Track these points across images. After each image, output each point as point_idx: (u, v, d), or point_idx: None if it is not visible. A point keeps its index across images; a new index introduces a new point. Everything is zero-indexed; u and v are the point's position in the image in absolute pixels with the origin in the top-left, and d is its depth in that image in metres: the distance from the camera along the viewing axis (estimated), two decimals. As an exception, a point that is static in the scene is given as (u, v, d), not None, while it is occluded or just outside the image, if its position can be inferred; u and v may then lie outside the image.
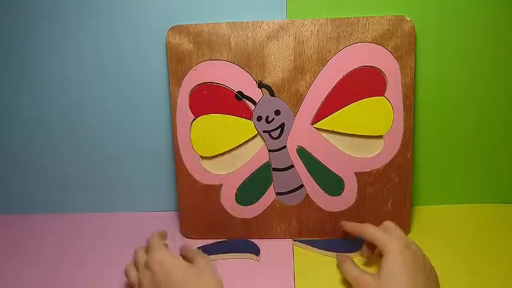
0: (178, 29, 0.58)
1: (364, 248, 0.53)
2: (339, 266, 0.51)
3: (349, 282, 0.47)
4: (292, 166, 0.60)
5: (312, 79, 0.58)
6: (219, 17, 0.60)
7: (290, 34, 0.57)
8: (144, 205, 0.72)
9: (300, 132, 0.59)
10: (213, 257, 0.56)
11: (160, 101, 0.65)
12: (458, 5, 0.59)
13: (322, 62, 0.57)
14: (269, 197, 0.61)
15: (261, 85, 0.59)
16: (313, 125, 0.59)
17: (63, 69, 0.65)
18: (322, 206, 0.61)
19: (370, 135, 0.59)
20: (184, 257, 0.47)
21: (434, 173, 0.67)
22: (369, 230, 0.49)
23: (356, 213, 0.60)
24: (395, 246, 0.44)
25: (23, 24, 0.64)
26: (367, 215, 0.60)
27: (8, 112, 0.68)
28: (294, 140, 0.60)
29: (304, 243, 0.59)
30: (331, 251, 0.56)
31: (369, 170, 0.59)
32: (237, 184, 0.61)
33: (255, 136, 0.60)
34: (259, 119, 0.59)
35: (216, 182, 0.61)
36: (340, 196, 0.60)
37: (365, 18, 0.56)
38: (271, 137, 0.60)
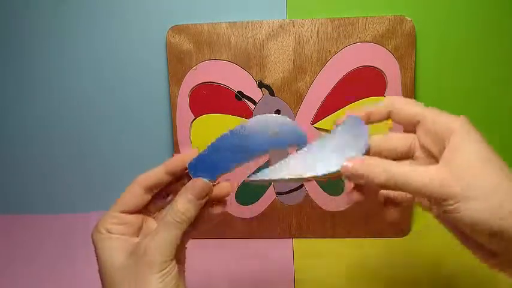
0: (178, 29, 0.58)
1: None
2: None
3: (349, 282, 0.46)
4: (292, 166, 0.60)
5: (312, 79, 0.58)
6: (219, 17, 0.60)
7: (290, 34, 0.57)
8: (144, 205, 0.71)
9: (300, 132, 0.59)
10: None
11: (160, 101, 0.65)
12: (458, 5, 0.59)
13: (322, 62, 0.57)
14: (269, 196, 0.61)
15: (261, 85, 0.59)
16: (313, 125, 0.59)
17: (62, 69, 0.65)
18: (322, 206, 0.61)
19: (370, 135, 0.59)
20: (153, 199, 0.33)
21: (434, 173, 0.67)
22: (403, 106, 0.31)
23: (356, 213, 0.60)
24: (465, 122, 0.28)
25: (23, 24, 0.64)
26: (367, 215, 0.60)
27: (7, 112, 0.68)
28: (294, 139, 0.59)
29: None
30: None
31: (369, 170, 0.59)
32: (237, 184, 0.61)
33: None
34: (259, 118, 0.59)
35: (215, 182, 0.61)
36: (340, 196, 0.60)
37: (365, 18, 0.56)
38: (271, 137, 0.60)
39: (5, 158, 0.71)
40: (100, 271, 0.30)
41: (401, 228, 0.60)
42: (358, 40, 0.57)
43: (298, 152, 0.31)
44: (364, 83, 0.57)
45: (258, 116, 0.32)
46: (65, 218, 0.71)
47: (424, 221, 0.64)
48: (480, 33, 0.60)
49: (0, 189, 0.73)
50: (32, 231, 0.68)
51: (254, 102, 0.59)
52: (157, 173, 0.32)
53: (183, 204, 0.30)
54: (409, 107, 0.31)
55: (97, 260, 0.30)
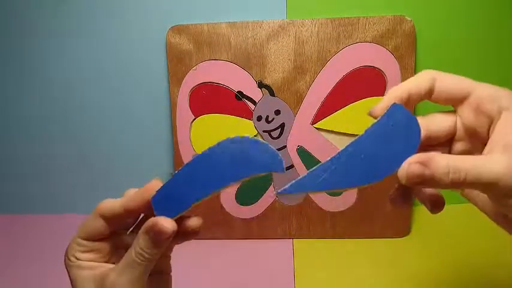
0: (178, 29, 0.58)
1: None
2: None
3: (349, 283, 0.46)
4: (292, 166, 0.60)
5: (312, 79, 0.58)
6: (219, 17, 0.60)
7: (290, 34, 0.57)
8: (144, 205, 0.71)
9: (300, 132, 0.59)
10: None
11: (160, 101, 0.65)
12: (458, 5, 0.59)
13: (322, 62, 0.57)
14: (269, 197, 0.61)
15: (261, 85, 0.59)
16: (313, 125, 0.59)
17: (62, 69, 0.65)
18: (322, 206, 0.61)
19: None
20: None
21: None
22: (448, 80, 0.27)
23: (356, 213, 0.60)
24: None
25: (23, 24, 0.64)
26: (367, 215, 0.60)
27: (8, 112, 0.68)
28: (294, 139, 0.59)
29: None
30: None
31: (369, 170, 0.59)
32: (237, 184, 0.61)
33: (255, 136, 0.60)
34: (259, 118, 0.59)
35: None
36: (340, 196, 0.60)
37: (365, 18, 0.56)
38: (271, 137, 0.60)
39: (5, 158, 0.71)
40: None
41: (401, 228, 0.60)
42: (358, 40, 0.57)
43: (334, 157, 0.26)
44: (364, 83, 0.57)
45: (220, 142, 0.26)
46: (65, 218, 0.71)
47: (424, 221, 0.64)
48: (480, 33, 0.60)
49: (0, 189, 0.73)
50: (32, 231, 0.68)
51: (254, 102, 0.59)
52: (114, 206, 0.29)
53: (145, 244, 0.27)
54: (455, 81, 0.26)
55: (71, 286, 0.30)
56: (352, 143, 0.26)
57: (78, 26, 0.63)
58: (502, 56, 0.61)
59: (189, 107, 0.60)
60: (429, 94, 0.27)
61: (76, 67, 0.65)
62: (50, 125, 0.68)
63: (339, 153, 0.26)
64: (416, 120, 0.26)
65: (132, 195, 0.28)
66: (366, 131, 0.26)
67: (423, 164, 0.23)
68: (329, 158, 0.26)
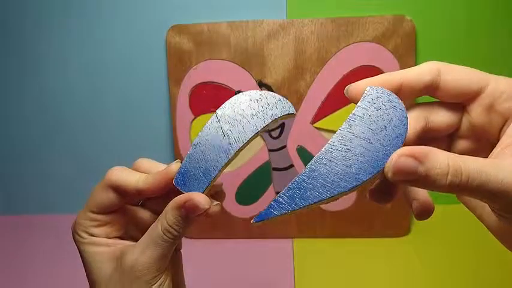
0: (178, 29, 0.58)
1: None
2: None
3: (349, 282, 0.46)
4: (292, 166, 0.60)
5: (312, 79, 0.58)
6: (219, 17, 0.60)
7: (290, 34, 0.57)
8: (144, 205, 0.72)
9: (300, 132, 0.59)
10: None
11: (160, 101, 0.65)
12: (458, 5, 0.59)
13: (322, 61, 0.57)
14: (269, 196, 0.61)
15: (260, 84, 0.59)
16: (313, 125, 0.59)
17: (62, 69, 0.65)
18: (322, 206, 0.61)
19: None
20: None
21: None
22: (457, 71, 0.24)
23: (356, 213, 0.60)
24: None
25: (23, 24, 0.64)
26: (367, 214, 0.60)
27: (8, 112, 0.68)
28: (293, 139, 0.59)
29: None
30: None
31: (369, 169, 0.59)
32: (237, 184, 0.61)
33: (255, 136, 0.60)
34: (259, 118, 0.59)
35: (215, 182, 0.61)
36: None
37: (365, 17, 0.56)
38: (271, 137, 0.60)
39: (5, 158, 0.71)
40: (88, 279, 0.27)
41: (401, 228, 0.60)
42: (358, 40, 0.56)
43: (316, 158, 0.22)
44: (364, 82, 0.57)
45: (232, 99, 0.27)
46: (65, 218, 0.71)
47: (424, 221, 0.64)
48: (480, 33, 0.60)
49: (1, 189, 0.73)
50: (32, 231, 0.68)
51: (254, 102, 0.59)
52: (127, 184, 0.26)
53: (175, 221, 0.25)
54: (465, 75, 0.22)
55: (84, 266, 0.27)
56: (335, 136, 0.23)
57: (78, 26, 0.63)
58: (502, 56, 0.61)
59: (189, 107, 0.60)
60: (432, 89, 0.23)
61: (76, 67, 0.65)
62: (50, 125, 0.68)
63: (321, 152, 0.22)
64: (398, 100, 0.22)
65: (150, 180, 0.26)
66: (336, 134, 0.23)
67: (417, 158, 0.19)
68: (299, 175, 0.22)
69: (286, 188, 0.22)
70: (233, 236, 0.62)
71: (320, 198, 0.22)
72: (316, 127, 0.59)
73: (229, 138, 0.26)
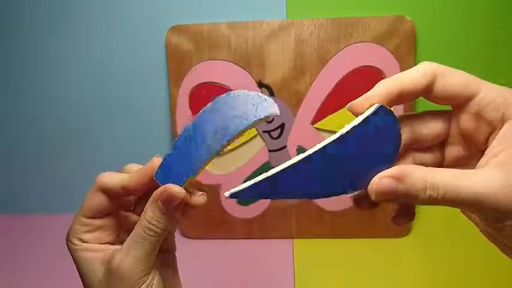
0: (178, 29, 0.58)
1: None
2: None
3: (349, 283, 0.46)
4: (292, 166, 0.60)
5: (312, 79, 0.58)
6: (219, 17, 0.60)
7: (290, 34, 0.57)
8: (144, 205, 0.72)
9: (300, 132, 0.59)
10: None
11: (160, 101, 0.65)
12: (458, 5, 0.59)
13: (322, 62, 0.57)
14: (269, 197, 0.61)
15: (260, 85, 0.59)
16: (313, 125, 0.59)
17: (62, 69, 0.65)
18: (322, 206, 0.61)
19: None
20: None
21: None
22: (452, 76, 0.24)
23: (356, 213, 0.60)
24: None
25: (23, 24, 0.64)
26: (367, 215, 0.60)
27: (8, 112, 0.68)
28: (294, 140, 0.59)
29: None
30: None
31: (368, 170, 0.59)
32: (237, 184, 0.61)
33: (255, 136, 0.60)
34: (259, 118, 0.59)
35: (215, 182, 0.61)
36: (340, 196, 0.60)
37: (365, 18, 0.56)
38: (271, 137, 0.60)
39: (5, 158, 0.71)
40: (83, 283, 0.28)
41: (402, 228, 0.60)
42: (358, 40, 0.57)
43: (299, 162, 0.25)
44: (364, 83, 0.57)
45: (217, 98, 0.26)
46: (64, 218, 0.71)
47: (424, 221, 0.64)
48: (480, 33, 0.60)
49: (1, 189, 0.73)
50: (32, 231, 0.68)
51: (254, 102, 0.59)
52: (113, 184, 0.27)
53: (153, 215, 0.25)
54: (459, 80, 0.23)
55: (78, 271, 0.28)
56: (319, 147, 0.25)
57: (78, 26, 0.63)
58: (502, 56, 0.61)
59: (189, 107, 0.60)
60: (427, 91, 0.24)
61: (76, 67, 0.65)
62: (50, 125, 0.68)
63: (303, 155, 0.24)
64: (395, 121, 0.23)
65: (133, 177, 0.27)
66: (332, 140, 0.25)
67: (396, 178, 0.20)
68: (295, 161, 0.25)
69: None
70: (233, 236, 0.62)
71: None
72: (316, 127, 0.59)
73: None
